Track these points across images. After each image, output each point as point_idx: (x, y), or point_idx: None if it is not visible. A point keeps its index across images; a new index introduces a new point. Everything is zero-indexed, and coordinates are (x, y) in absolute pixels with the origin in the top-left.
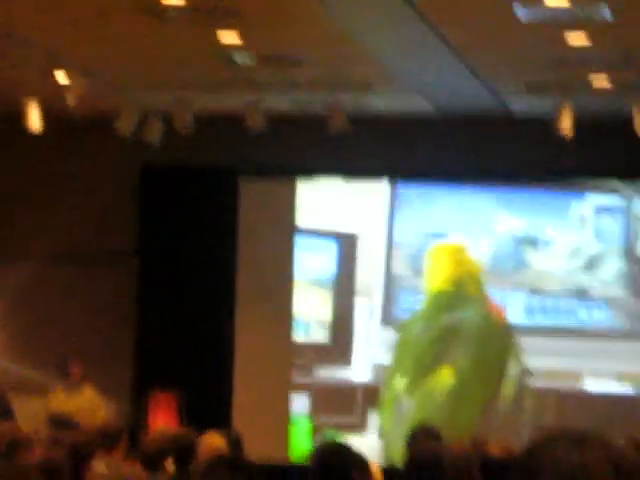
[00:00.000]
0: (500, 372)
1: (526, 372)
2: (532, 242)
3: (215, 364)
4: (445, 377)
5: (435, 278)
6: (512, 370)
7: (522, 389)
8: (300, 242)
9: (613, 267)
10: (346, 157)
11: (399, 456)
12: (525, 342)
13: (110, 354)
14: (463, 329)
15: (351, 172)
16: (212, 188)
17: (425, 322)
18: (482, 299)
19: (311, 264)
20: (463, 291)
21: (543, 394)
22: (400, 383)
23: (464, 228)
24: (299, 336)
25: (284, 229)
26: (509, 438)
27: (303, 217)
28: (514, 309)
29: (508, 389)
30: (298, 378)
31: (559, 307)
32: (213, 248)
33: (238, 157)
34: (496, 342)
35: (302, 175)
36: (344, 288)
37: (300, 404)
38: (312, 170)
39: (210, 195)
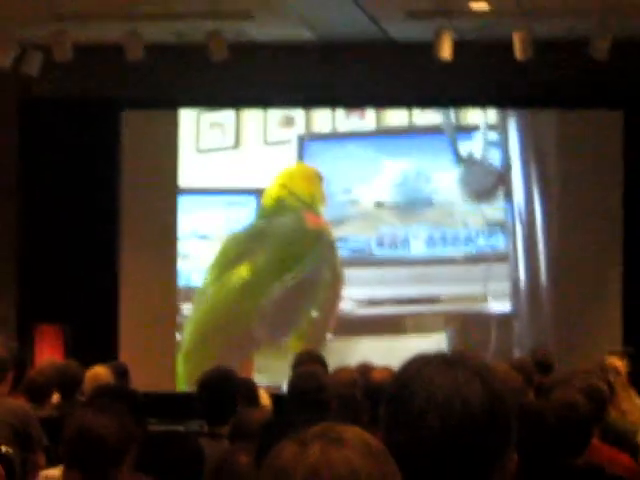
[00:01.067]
0: (292, 270)
1: (339, 279)
2: (426, 180)
3: (100, 297)
4: (242, 271)
5: (265, 195)
6: (326, 275)
7: (334, 294)
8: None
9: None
10: (228, 87)
11: (188, 341)
12: (427, 271)
13: None
14: (271, 231)
15: (234, 102)
16: (93, 120)
17: (244, 229)
18: (298, 211)
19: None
20: (282, 204)
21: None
22: (209, 277)
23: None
24: None
25: (168, 159)
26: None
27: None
28: (417, 242)
29: (322, 293)
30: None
31: (458, 237)
32: (96, 180)
33: (119, 88)
34: (300, 245)
35: (185, 106)
36: None
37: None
38: (195, 101)
39: (91, 127)
